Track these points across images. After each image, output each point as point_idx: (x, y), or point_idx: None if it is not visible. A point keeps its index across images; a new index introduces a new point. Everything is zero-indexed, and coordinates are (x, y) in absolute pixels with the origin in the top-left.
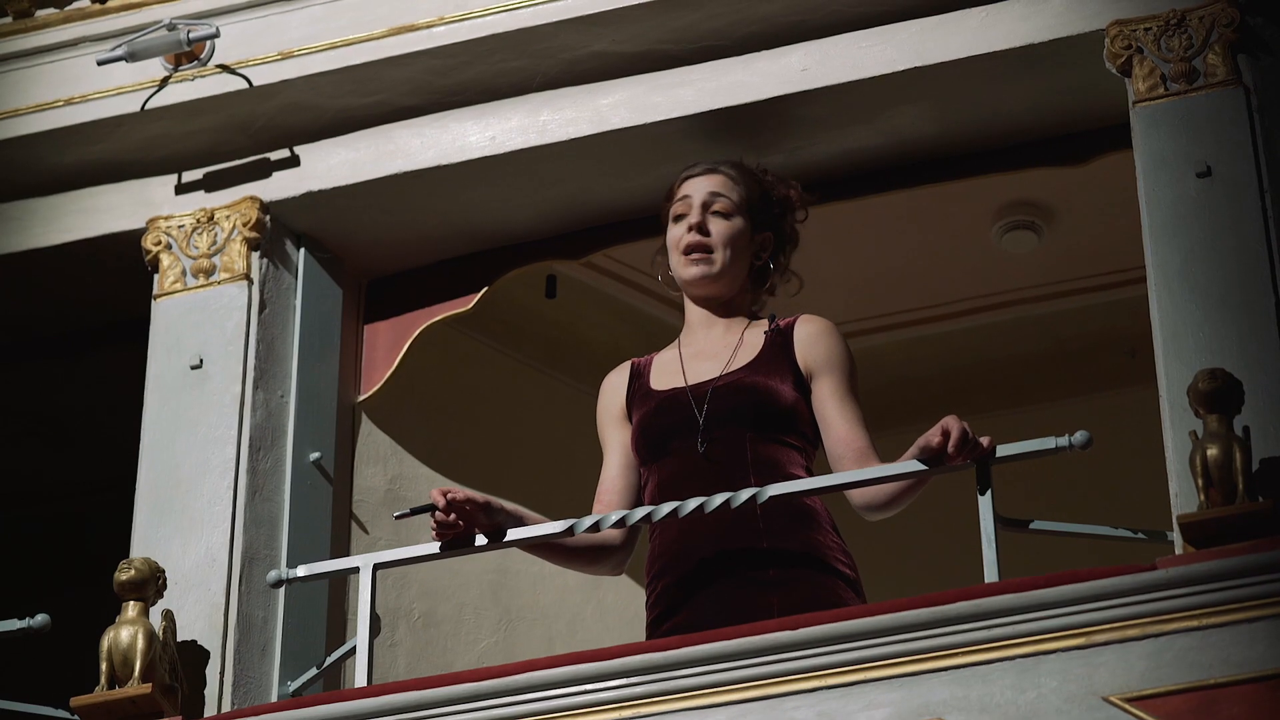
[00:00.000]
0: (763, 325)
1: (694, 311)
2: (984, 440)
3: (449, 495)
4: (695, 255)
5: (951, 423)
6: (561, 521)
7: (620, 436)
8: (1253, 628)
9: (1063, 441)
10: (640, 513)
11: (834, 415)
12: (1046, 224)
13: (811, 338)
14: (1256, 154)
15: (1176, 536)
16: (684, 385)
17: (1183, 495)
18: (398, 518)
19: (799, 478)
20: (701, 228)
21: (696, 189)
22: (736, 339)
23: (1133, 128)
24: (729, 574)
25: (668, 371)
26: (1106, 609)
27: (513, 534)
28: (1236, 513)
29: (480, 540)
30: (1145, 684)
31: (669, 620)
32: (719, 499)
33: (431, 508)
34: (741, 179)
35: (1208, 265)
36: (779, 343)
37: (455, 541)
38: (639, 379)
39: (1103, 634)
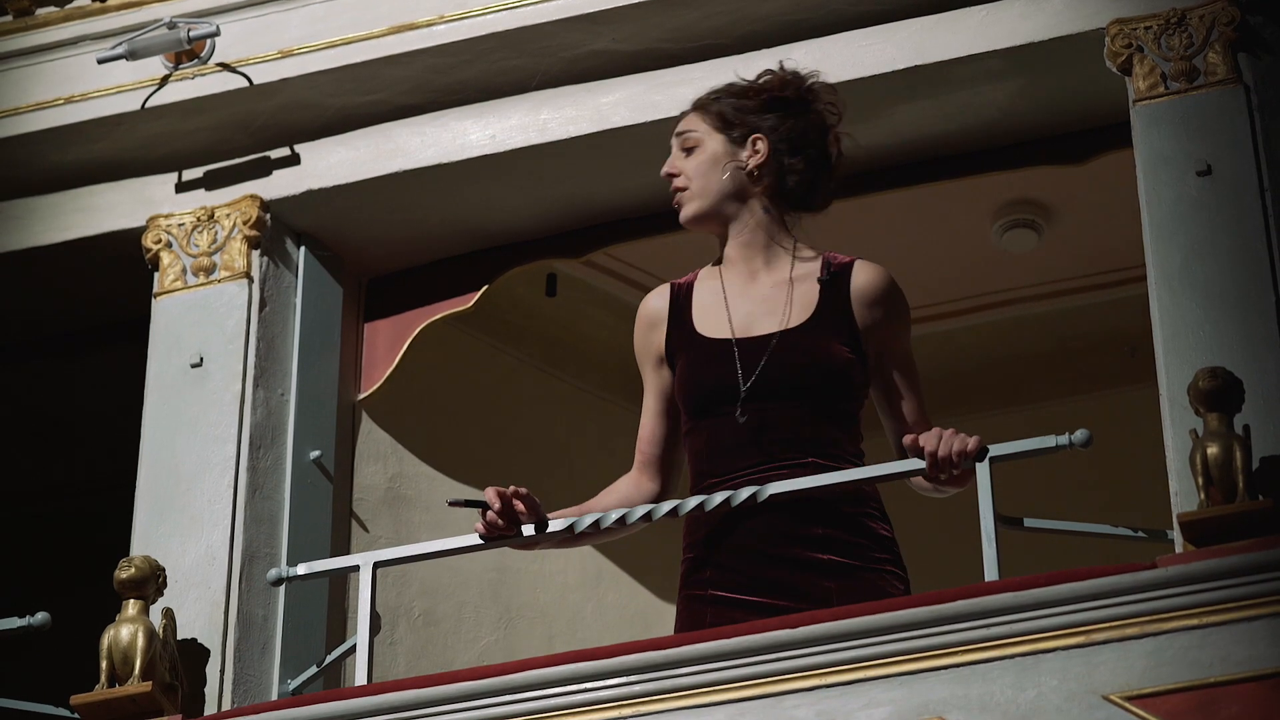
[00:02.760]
0: (811, 265)
1: (727, 248)
2: (970, 444)
3: (503, 495)
4: (677, 198)
5: (929, 440)
6: (560, 520)
7: (658, 380)
8: (1253, 627)
9: (1063, 440)
10: (639, 511)
11: (903, 401)
12: (1046, 223)
13: (872, 296)
14: (1257, 153)
15: (1176, 535)
16: (731, 336)
17: (1183, 494)
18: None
19: (852, 462)
20: (671, 172)
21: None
22: (785, 282)
23: (1133, 126)
24: (780, 549)
25: (711, 313)
26: (1106, 608)
27: (527, 529)
28: (1236, 511)
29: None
30: (1145, 683)
31: (707, 571)
32: (719, 498)
33: (485, 505)
34: (716, 100)
35: (1208, 264)
36: (833, 295)
37: (513, 524)
38: (680, 312)
39: (1103, 633)
